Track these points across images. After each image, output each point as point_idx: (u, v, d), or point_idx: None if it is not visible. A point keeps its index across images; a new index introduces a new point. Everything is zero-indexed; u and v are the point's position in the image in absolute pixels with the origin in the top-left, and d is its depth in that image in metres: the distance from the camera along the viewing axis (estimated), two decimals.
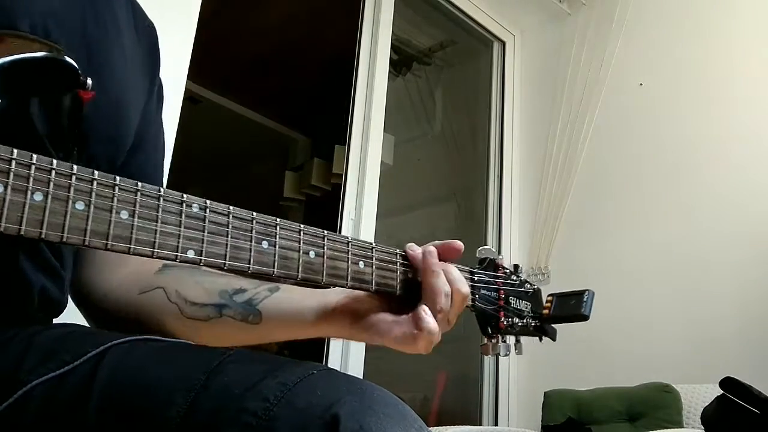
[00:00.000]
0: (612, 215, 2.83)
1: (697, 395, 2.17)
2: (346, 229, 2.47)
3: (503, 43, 3.50)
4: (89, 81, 0.56)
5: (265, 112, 4.63)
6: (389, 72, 2.83)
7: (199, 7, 2.05)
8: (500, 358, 2.92)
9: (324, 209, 3.90)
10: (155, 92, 0.83)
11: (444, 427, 2.27)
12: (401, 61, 3.40)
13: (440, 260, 0.69)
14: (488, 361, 2.95)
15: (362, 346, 2.37)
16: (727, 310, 2.37)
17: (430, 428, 0.61)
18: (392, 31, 2.88)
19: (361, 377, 1.89)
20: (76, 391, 0.53)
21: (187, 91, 1.99)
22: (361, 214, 2.50)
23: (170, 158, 1.85)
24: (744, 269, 2.37)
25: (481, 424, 2.86)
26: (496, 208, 3.19)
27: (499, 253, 3.16)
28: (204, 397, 0.49)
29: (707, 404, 1.76)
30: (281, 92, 4.31)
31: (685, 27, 2.87)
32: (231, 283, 0.71)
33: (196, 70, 2.03)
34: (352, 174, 2.57)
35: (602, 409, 2.30)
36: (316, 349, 2.36)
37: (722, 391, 1.62)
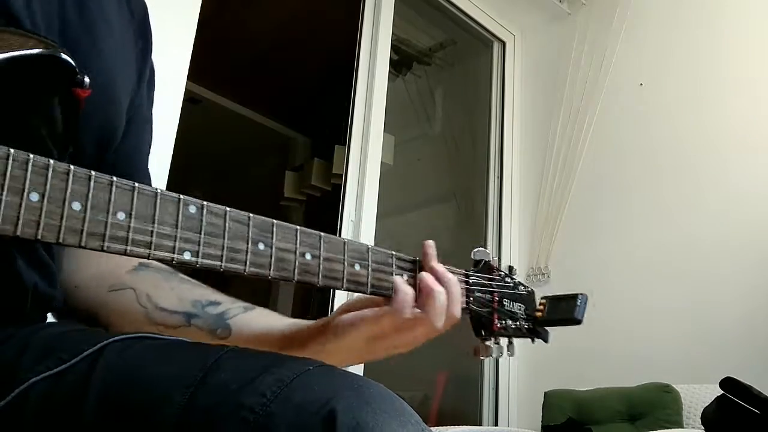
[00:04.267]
0: (612, 215, 2.83)
1: (697, 395, 2.16)
2: (346, 230, 2.47)
3: (503, 43, 3.50)
4: (86, 79, 0.55)
5: (265, 112, 4.63)
6: (389, 72, 2.83)
7: (199, 7, 2.05)
8: (500, 358, 2.92)
9: (324, 209, 3.90)
10: (147, 75, 0.80)
11: (444, 427, 2.27)
12: (401, 61, 3.40)
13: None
14: (488, 361, 2.95)
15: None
16: (728, 309, 2.37)
17: (430, 429, 0.62)
18: (392, 31, 2.88)
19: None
20: (74, 389, 0.53)
21: (187, 91, 1.98)
22: (361, 215, 2.50)
23: (170, 158, 1.85)
24: (745, 269, 2.37)
25: (481, 425, 2.85)
26: (496, 208, 3.19)
27: (500, 253, 3.13)
28: (201, 393, 0.49)
29: (707, 404, 1.75)
30: (281, 92, 4.31)
31: (685, 27, 2.87)
32: (206, 294, 0.71)
33: (196, 70, 2.03)
34: (352, 174, 2.57)
35: (602, 409, 2.29)
36: None
37: (722, 391, 1.62)
